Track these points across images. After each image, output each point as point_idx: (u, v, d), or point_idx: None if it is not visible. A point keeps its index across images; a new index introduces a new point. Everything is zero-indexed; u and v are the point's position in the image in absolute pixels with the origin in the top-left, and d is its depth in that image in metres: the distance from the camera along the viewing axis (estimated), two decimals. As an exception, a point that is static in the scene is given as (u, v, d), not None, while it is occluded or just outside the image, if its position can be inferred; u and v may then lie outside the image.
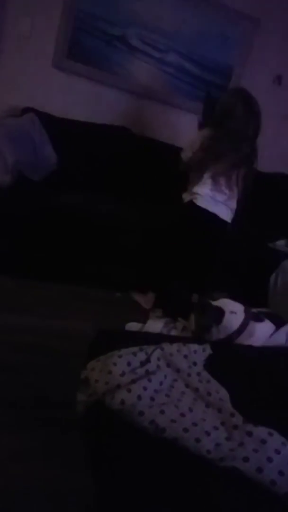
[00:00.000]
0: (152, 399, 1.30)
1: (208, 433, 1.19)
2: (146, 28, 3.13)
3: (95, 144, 3.04)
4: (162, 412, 1.23)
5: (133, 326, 2.30)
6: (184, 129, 3.29)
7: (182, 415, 1.24)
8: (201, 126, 2.48)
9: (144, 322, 2.35)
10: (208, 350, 1.52)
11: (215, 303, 1.84)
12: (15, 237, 2.50)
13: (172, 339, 1.60)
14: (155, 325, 2.29)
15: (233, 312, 1.81)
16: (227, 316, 1.77)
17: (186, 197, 2.42)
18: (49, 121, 2.95)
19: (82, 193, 2.71)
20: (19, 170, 2.46)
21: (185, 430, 1.19)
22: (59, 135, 2.94)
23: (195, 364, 1.47)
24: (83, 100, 3.19)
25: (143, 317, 2.39)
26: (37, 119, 2.89)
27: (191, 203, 2.36)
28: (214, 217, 2.35)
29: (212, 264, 2.52)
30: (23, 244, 2.53)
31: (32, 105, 2.99)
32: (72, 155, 2.94)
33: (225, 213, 2.39)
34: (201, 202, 2.33)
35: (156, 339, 1.63)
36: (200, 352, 1.51)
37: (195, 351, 1.50)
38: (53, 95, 3.12)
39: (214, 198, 2.33)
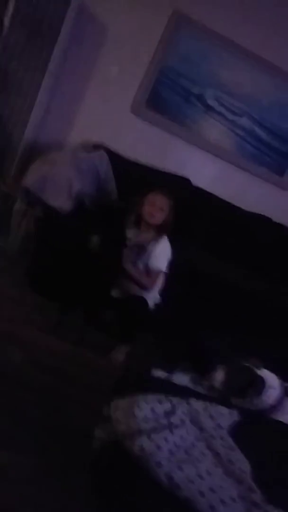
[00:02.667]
0: (171, 453, 1.26)
1: (224, 503, 1.13)
2: (224, 91, 3.29)
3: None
4: (180, 468, 1.19)
5: (159, 373, 2.25)
6: (248, 191, 3.44)
7: (200, 477, 1.19)
8: None
9: (170, 372, 2.31)
10: (235, 416, 1.47)
11: (258, 372, 1.73)
12: (62, 261, 2.55)
13: (199, 396, 1.56)
14: (181, 378, 2.24)
15: (272, 387, 1.69)
16: (266, 390, 1.66)
17: None
18: (116, 160, 3.10)
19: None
20: (81, 199, 2.57)
21: (201, 493, 1.14)
22: (124, 175, 3.07)
23: (220, 427, 1.42)
24: (152, 147, 3.33)
25: (170, 367, 2.34)
26: (106, 157, 3.04)
27: None
28: None
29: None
30: (69, 272, 2.52)
31: (105, 141, 3.15)
32: (132, 195, 3.04)
33: None
34: None
35: (183, 392, 1.60)
36: (226, 416, 1.46)
37: (222, 414, 1.45)
38: (126, 137, 3.29)
39: None
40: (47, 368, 2.01)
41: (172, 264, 2.44)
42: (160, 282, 2.47)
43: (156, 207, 2.38)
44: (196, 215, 3.18)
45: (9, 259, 2.84)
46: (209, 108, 3.32)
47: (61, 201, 2.43)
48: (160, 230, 2.41)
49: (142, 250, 2.40)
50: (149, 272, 2.40)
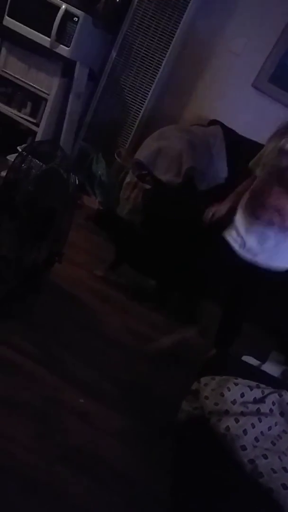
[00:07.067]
0: (257, 439, 1.25)
1: (307, 502, 1.09)
2: None
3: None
4: (265, 456, 1.18)
5: (250, 360, 2.21)
6: None
7: (285, 469, 1.17)
8: None
9: (261, 361, 2.25)
10: None
11: None
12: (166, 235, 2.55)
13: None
14: (272, 368, 2.18)
15: None
16: None
17: None
18: (231, 137, 3.01)
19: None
20: (190, 176, 2.56)
21: (284, 486, 1.11)
22: (237, 153, 2.97)
23: (311, 424, 1.36)
24: (272, 125, 3.15)
25: (262, 356, 2.28)
26: (220, 133, 2.97)
27: None
28: None
29: None
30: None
31: (220, 117, 3.08)
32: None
33: None
34: None
35: (274, 382, 1.56)
36: None
37: (316, 412, 1.39)
38: (244, 113, 3.16)
39: None
40: (142, 336, 2.10)
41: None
42: None
43: None
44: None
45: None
46: None
47: (170, 176, 2.45)
48: None
49: None
50: None
